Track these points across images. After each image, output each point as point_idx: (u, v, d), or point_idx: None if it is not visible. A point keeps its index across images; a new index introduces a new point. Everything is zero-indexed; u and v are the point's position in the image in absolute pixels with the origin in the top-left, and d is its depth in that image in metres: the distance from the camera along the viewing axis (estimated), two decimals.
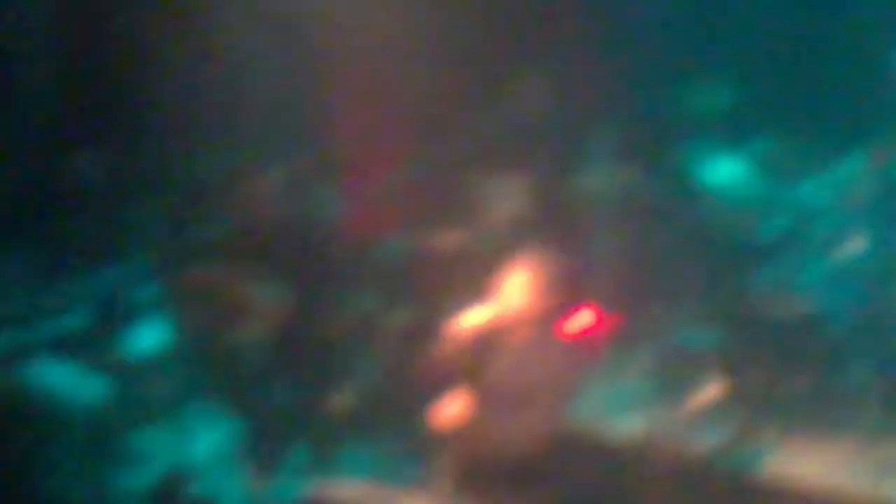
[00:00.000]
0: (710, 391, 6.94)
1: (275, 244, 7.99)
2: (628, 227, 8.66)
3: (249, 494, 7.47)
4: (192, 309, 7.96)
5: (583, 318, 7.62)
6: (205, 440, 8.51)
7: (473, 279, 8.22)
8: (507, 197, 8.69)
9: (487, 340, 6.32)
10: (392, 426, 8.62)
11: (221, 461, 8.07)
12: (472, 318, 6.23)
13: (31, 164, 9.09)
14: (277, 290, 7.88)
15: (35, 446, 7.90)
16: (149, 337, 8.04)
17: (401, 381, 8.25)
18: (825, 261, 7.63)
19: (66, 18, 9.36)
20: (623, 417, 7.86)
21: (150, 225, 9.07)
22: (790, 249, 7.62)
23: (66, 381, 7.84)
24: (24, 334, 8.07)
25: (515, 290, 6.30)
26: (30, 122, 9.28)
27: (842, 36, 8.55)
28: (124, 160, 9.30)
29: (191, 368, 8.85)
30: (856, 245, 7.59)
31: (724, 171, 7.93)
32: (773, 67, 8.65)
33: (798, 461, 7.37)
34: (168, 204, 9.23)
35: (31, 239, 8.72)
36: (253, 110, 9.66)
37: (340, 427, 7.93)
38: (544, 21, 8.99)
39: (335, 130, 9.95)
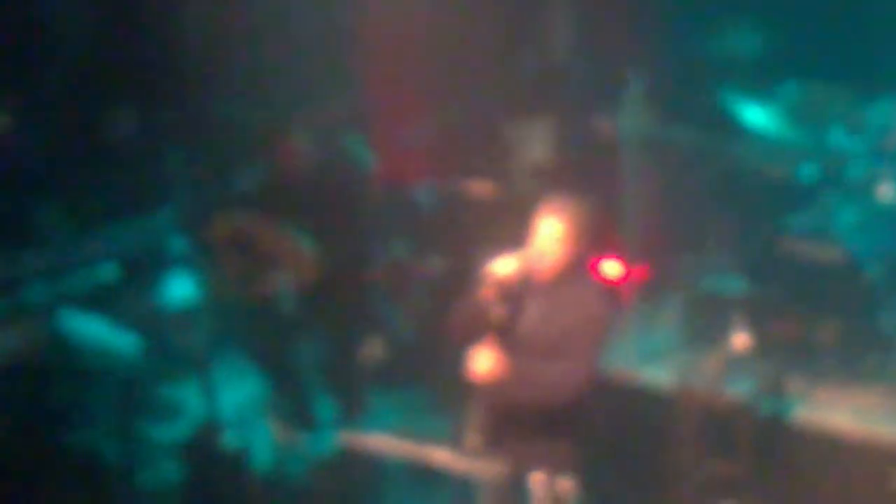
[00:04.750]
0: (741, 339, 6.93)
1: (305, 195, 7.99)
2: (658, 174, 8.65)
3: (279, 447, 7.51)
4: (223, 261, 7.99)
5: (613, 267, 7.65)
6: (234, 393, 8.57)
7: (504, 227, 8.25)
8: (537, 143, 8.68)
9: (518, 289, 6.32)
10: (422, 377, 8.67)
11: (251, 414, 8.12)
12: (503, 267, 6.21)
13: (64, 119, 9.12)
14: (307, 241, 7.89)
15: (67, 399, 7.97)
16: (179, 290, 8.07)
17: (431, 332, 8.27)
18: (857, 207, 7.61)
19: None
20: (654, 366, 7.88)
21: (182, 177, 9.11)
22: (821, 196, 7.60)
23: (97, 334, 7.88)
24: (56, 287, 8.12)
25: (546, 238, 6.28)
26: (65, 76, 9.32)
27: None
28: (156, 113, 9.33)
29: (220, 321, 8.91)
30: (888, 191, 7.56)
31: (754, 116, 7.90)
32: (803, 13, 8.61)
33: (828, 409, 7.36)
34: (199, 156, 9.27)
35: (64, 192, 8.76)
36: (284, 61, 9.67)
37: (370, 379, 7.93)
38: None
39: (366, 79, 9.96)
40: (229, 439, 7.60)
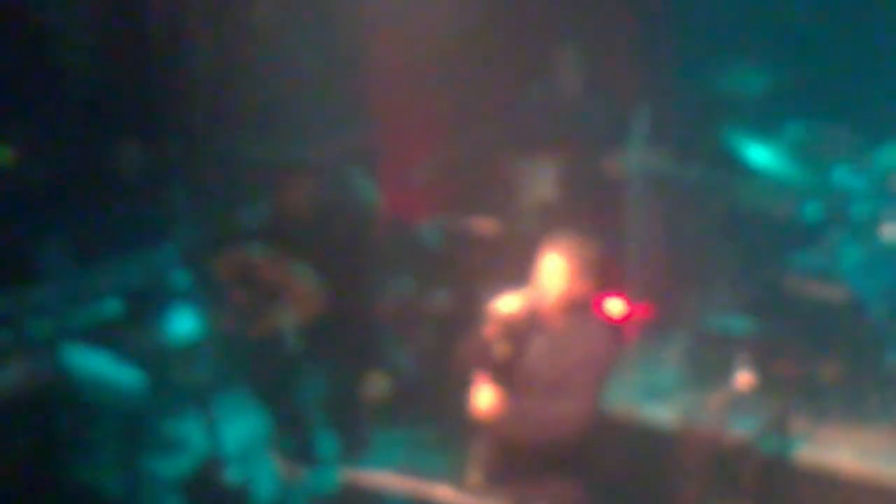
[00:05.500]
0: (745, 378, 6.93)
1: (310, 230, 8.01)
2: (663, 212, 8.68)
3: (281, 483, 7.51)
4: (226, 297, 8.00)
5: (616, 305, 7.65)
6: (237, 428, 8.57)
7: (509, 265, 8.24)
8: (543, 181, 8.70)
9: (522, 327, 6.33)
10: (426, 414, 8.67)
11: (254, 449, 8.11)
12: (508, 305, 6.22)
13: (69, 154, 9.17)
14: (312, 277, 7.90)
15: (70, 433, 7.96)
16: (183, 325, 8.08)
17: (435, 369, 8.28)
18: (861, 247, 7.62)
19: (109, 14, 9.47)
20: (657, 405, 7.88)
21: (186, 212, 9.13)
22: (826, 235, 7.61)
23: (100, 369, 7.89)
24: (59, 322, 8.13)
25: (550, 275, 6.31)
26: (70, 110, 9.36)
27: (877, 22, 8.54)
28: (161, 148, 9.37)
29: (224, 357, 8.90)
30: (892, 231, 7.57)
31: (759, 155, 7.92)
32: (808, 54, 8.66)
33: (831, 448, 7.36)
34: (204, 191, 9.29)
35: (67, 227, 8.78)
36: (291, 98, 9.72)
37: (373, 415, 7.94)
38: (579, 5, 8.99)
39: (372, 116, 10.01)
40: (232, 474, 7.58)
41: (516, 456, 6.35)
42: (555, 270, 6.30)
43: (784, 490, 7.16)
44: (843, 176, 7.81)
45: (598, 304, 7.24)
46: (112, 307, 8.38)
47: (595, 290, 6.47)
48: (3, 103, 8.86)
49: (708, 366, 7.82)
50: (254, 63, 9.72)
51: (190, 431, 8.50)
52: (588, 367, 6.26)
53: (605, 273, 6.54)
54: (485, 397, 6.22)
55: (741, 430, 7.05)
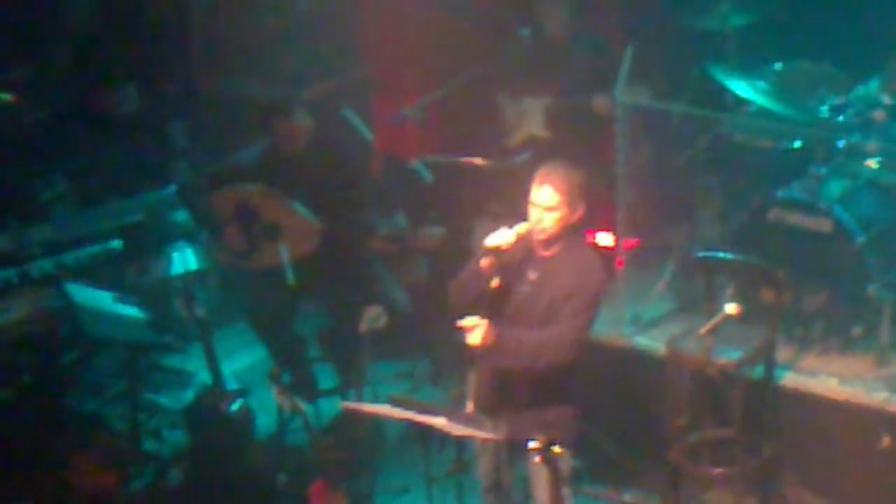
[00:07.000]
0: (731, 307, 7.00)
1: (306, 167, 8.05)
2: (649, 147, 8.72)
3: (281, 416, 7.60)
4: (225, 233, 8.05)
5: (605, 237, 7.75)
6: (237, 362, 8.69)
7: (501, 199, 8.32)
8: (533, 117, 8.72)
9: (514, 259, 6.43)
10: (421, 347, 8.77)
11: (253, 383, 8.23)
12: (500, 238, 6.31)
13: (69, 95, 9.20)
14: (308, 212, 7.96)
15: (75, 368, 8.07)
16: (183, 262, 8.14)
17: (429, 302, 8.36)
18: (844, 179, 7.66)
19: None
20: (646, 334, 7.96)
21: (185, 151, 9.19)
22: (810, 168, 7.65)
23: (102, 305, 7.97)
24: (61, 260, 8.22)
25: (540, 206, 6.38)
26: (69, 51, 9.38)
27: None
28: (159, 88, 9.41)
29: (223, 292, 8.99)
30: (874, 164, 7.63)
31: (743, 91, 7.94)
32: None
33: (815, 376, 7.46)
34: (202, 130, 9.33)
35: (69, 167, 8.85)
36: (284, 36, 9.73)
37: (370, 348, 8.02)
38: None
39: (364, 54, 10.03)
40: (232, 407, 7.67)
41: (509, 385, 6.45)
42: (545, 201, 6.35)
43: (769, 417, 7.26)
44: (826, 110, 7.86)
45: (589, 236, 7.35)
46: (114, 245, 8.45)
47: (585, 221, 6.55)
48: (2, 45, 8.90)
49: (695, 295, 7.88)
50: (248, 3, 9.72)
51: (190, 365, 8.62)
52: (579, 296, 6.34)
53: (594, 204, 6.62)
54: (477, 329, 6.26)
55: (727, 357, 7.10)
